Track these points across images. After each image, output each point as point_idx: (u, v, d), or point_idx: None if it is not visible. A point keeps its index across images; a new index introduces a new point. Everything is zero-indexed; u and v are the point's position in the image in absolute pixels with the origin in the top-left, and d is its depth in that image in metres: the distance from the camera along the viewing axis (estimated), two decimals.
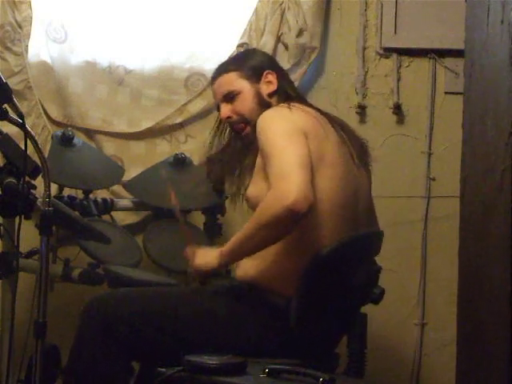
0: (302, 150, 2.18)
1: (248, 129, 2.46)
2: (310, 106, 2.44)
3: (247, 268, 2.32)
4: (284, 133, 2.21)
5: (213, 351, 2.04)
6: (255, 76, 2.47)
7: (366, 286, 2.34)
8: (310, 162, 2.17)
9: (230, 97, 2.48)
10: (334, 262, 2.22)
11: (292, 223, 2.12)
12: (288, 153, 2.16)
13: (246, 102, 2.46)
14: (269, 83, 2.47)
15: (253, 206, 2.32)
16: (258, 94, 2.45)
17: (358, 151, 2.39)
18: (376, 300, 2.35)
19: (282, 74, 2.53)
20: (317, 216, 2.21)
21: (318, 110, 2.41)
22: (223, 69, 2.52)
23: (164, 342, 2.22)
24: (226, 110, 2.49)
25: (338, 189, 2.27)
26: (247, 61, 2.51)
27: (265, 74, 2.47)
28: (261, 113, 2.36)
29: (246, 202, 2.38)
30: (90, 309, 2.26)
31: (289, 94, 2.47)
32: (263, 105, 2.43)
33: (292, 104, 2.34)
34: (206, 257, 2.31)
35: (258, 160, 2.30)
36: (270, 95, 2.46)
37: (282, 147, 2.18)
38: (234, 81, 2.47)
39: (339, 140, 2.34)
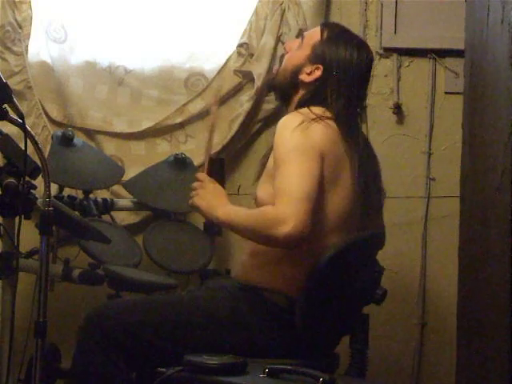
0: (314, 174, 2.16)
1: (277, 73, 2.46)
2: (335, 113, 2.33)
3: (248, 268, 2.32)
4: (300, 151, 2.18)
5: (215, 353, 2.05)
6: (316, 57, 2.37)
7: (369, 287, 2.34)
8: (317, 189, 2.15)
9: (299, 36, 2.49)
10: (339, 263, 2.22)
11: (282, 248, 2.18)
12: (298, 176, 2.15)
13: (294, 57, 2.41)
14: (310, 74, 2.37)
15: (259, 207, 2.31)
16: (300, 68, 2.38)
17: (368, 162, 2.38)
18: (378, 300, 2.36)
19: (330, 79, 2.35)
20: (323, 228, 2.22)
21: (342, 117, 2.34)
22: (323, 27, 2.44)
23: (165, 349, 2.21)
24: (291, 43, 2.50)
25: (347, 205, 2.28)
26: (331, 47, 2.37)
27: (317, 64, 2.37)
28: (287, 80, 2.38)
29: (254, 202, 2.38)
30: (89, 320, 2.24)
31: (317, 98, 2.35)
32: (293, 78, 2.38)
33: (315, 112, 2.27)
34: (206, 203, 2.29)
35: (271, 162, 2.29)
36: (302, 82, 2.39)
37: (294, 167, 2.16)
38: (312, 39, 2.40)
39: (354, 153, 2.31)
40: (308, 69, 2.38)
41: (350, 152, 2.29)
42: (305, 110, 2.29)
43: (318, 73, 2.37)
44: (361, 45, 2.43)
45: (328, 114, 2.30)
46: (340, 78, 2.35)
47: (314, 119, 2.25)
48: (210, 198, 2.31)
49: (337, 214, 2.26)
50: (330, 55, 2.37)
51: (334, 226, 2.26)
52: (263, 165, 2.38)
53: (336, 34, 2.41)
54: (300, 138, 2.20)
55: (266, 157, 2.36)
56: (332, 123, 2.29)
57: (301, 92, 2.38)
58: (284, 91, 2.43)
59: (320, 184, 2.18)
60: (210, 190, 2.32)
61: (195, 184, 2.35)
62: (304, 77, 2.38)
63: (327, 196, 2.22)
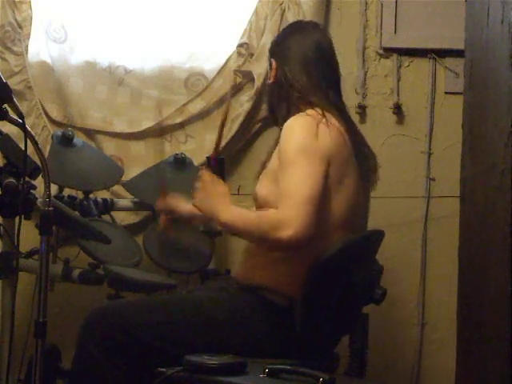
0: (318, 177, 2.16)
1: None
2: (338, 112, 2.36)
3: (248, 268, 2.32)
4: (307, 154, 2.18)
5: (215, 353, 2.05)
6: (270, 60, 2.45)
7: (369, 287, 2.34)
8: (321, 192, 2.16)
9: None
10: (338, 263, 2.22)
11: (285, 251, 2.19)
12: (302, 178, 2.15)
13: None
14: (272, 71, 2.44)
15: (259, 205, 2.31)
16: (267, 78, 2.50)
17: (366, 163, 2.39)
18: (378, 300, 2.36)
19: (287, 65, 2.39)
20: (327, 228, 2.22)
21: (343, 114, 2.37)
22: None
23: (166, 350, 2.20)
24: None
25: (350, 207, 2.28)
26: (276, 45, 2.47)
27: (272, 63, 2.44)
28: (266, 94, 2.48)
29: (252, 199, 2.38)
30: (89, 321, 2.24)
31: (286, 92, 2.38)
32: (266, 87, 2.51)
33: (320, 113, 2.28)
34: (208, 206, 2.28)
35: (274, 161, 2.29)
36: (269, 85, 2.44)
37: (299, 169, 2.17)
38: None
39: (356, 154, 2.32)
40: (271, 73, 2.44)
41: (354, 151, 2.30)
42: (311, 111, 2.29)
43: (274, 67, 2.42)
44: (305, 27, 2.48)
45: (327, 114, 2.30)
46: (292, 60, 2.38)
47: (322, 122, 2.24)
48: (213, 201, 2.29)
49: (342, 213, 2.26)
50: (278, 49, 2.43)
51: (337, 226, 2.26)
52: (264, 164, 2.38)
53: (279, 34, 2.55)
54: (307, 141, 2.21)
55: (268, 157, 2.36)
56: (337, 125, 2.28)
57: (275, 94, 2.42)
58: (270, 106, 2.47)
59: (325, 187, 2.18)
60: (212, 192, 2.30)
61: (198, 185, 2.33)
62: (269, 79, 2.44)
63: (333, 197, 2.23)
